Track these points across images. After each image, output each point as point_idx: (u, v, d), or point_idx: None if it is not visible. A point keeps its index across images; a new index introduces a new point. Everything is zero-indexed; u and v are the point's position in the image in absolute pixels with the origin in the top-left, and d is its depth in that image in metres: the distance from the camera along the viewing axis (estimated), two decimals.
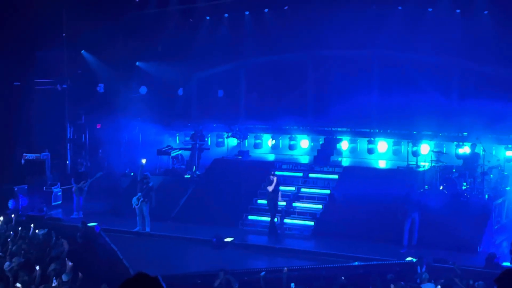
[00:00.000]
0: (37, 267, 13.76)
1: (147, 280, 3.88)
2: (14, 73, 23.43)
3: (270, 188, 19.28)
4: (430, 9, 22.69)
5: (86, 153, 25.94)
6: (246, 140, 26.29)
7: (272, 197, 19.38)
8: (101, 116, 25.43)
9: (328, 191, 20.64)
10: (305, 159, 24.96)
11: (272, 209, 19.51)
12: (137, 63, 26.85)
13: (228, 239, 19.01)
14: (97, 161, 25.20)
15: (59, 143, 24.90)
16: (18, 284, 13.00)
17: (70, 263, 14.64)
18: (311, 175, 22.20)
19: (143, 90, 26.38)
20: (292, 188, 21.69)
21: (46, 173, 23.16)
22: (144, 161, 21.54)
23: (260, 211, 21.29)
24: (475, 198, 19.82)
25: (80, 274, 13.93)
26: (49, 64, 24.40)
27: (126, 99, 26.27)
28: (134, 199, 20.18)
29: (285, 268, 14.29)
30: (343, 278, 14.11)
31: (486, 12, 22.03)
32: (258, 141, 26.57)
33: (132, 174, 22.23)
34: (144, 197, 20.13)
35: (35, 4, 21.90)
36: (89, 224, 19.12)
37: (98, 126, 25.80)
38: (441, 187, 20.65)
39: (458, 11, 22.50)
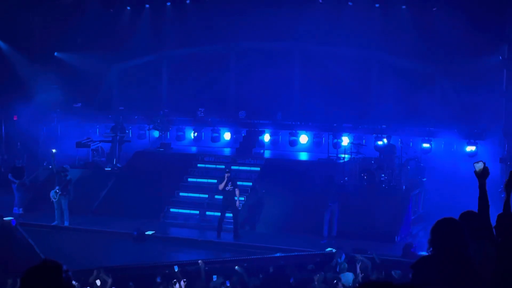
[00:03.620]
0: None
1: (50, 267, 3.88)
2: None
3: (221, 186, 19.11)
4: (350, 3, 22.95)
5: (3, 146, 25.44)
6: (168, 132, 26.22)
7: (227, 195, 19.24)
8: (17, 108, 25.00)
9: (250, 183, 20.68)
10: (227, 151, 25.01)
11: (227, 207, 19.30)
12: (55, 54, 26.45)
13: (149, 232, 18.93)
14: (15, 154, 24.71)
15: None
16: None
17: None
18: (233, 167, 22.27)
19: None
20: (214, 180, 21.71)
21: None
22: (54, 150, 21.28)
23: (182, 203, 21.28)
24: (392, 189, 20.23)
25: None
26: None
27: (44, 90, 25.92)
28: (52, 193, 19.92)
29: (200, 261, 14.33)
30: (271, 269, 14.28)
31: (404, 6, 22.42)
32: (180, 133, 26.50)
33: (50, 167, 21.89)
34: (62, 190, 19.87)
35: None
36: (5, 218, 18.84)
37: (15, 118, 25.37)
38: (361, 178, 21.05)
39: (377, 5, 22.83)
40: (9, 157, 24.65)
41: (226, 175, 19.21)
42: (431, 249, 5.37)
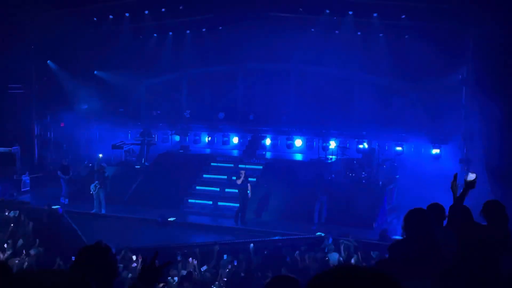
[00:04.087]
0: (6, 245, 13.61)
1: (102, 248, 3.98)
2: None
3: (239, 181, 19.09)
4: (336, 31, 22.93)
5: (52, 147, 25.50)
6: (187, 137, 26.27)
7: (242, 188, 19.16)
8: (65, 116, 25.11)
9: (254, 179, 20.70)
10: (235, 153, 25.03)
11: (242, 199, 19.20)
12: (95, 72, 26.52)
13: (171, 219, 19.00)
14: (62, 155, 24.73)
15: (28, 139, 24.44)
16: None
17: (37, 240, 14.52)
18: (240, 165, 22.29)
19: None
20: (225, 176, 21.73)
21: (16, 164, 22.75)
22: (101, 155, 21.47)
23: (198, 195, 21.39)
24: (371, 184, 20.30)
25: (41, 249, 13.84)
26: (19, 72, 23.92)
27: (85, 102, 26.01)
28: (92, 186, 20.02)
29: (214, 242, 14.38)
30: (265, 252, 14.33)
31: (381, 34, 22.40)
32: (196, 137, 26.53)
33: (90, 165, 21.95)
34: (100, 184, 20.00)
35: (5, 22, 21.41)
36: (53, 207, 18.89)
37: (62, 125, 25.43)
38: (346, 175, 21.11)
39: (359, 33, 22.83)
40: (57, 157, 24.67)
41: (243, 172, 19.23)
42: (404, 233, 5.42)
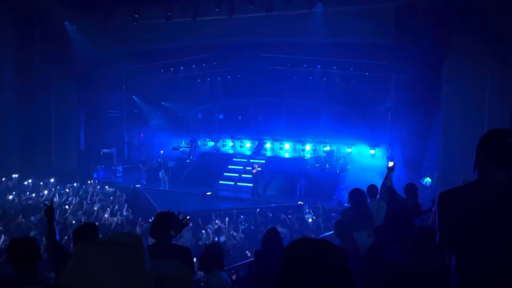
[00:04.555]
0: (108, 209, 13.71)
1: (169, 212, 4.07)
2: (102, 108, 23.24)
3: (254, 171, 19.16)
4: (310, 78, 22.98)
5: (135, 149, 25.69)
6: (218, 143, 26.41)
7: (254, 175, 19.24)
8: (143, 130, 25.33)
9: (259, 169, 20.83)
10: (248, 152, 25.14)
11: (255, 181, 19.26)
12: (162, 103, 26.74)
13: (208, 193, 19.12)
14: (141, 153, 24.89)
15: (121, 144, 24.66)
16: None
17: (126, 205, 14.61)
18: (251, 161, 22.41)
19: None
20: (241, 167, 21.88)
21: (113, 159, 22.96)
22: (162, 151, 21.66)
23: (225, 178, 21.43)
24: (332, 172, 20.41)
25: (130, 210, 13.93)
26: (116, 103, 24.21)
27: (155, 121, 26.20)
28: (160, 173, 20.13)
29: (235, 210, 14.44)
30: (269, 214, 14.30)
31: (338, 79, 22.44)
32: (224, 143, 26.67)
33: (158, 160, 22.14)
34: (165, 171, 20.09)
35: (109, 72, 21.60)
36: (136, 185, 19.03)
37: (142, 135, 25.65)
38: (316, 165, 21.18)
39: (324, 79, 22.85)
40: (138, 155, 24.87)
41: (256, 165, 19.33)
42: (349, 204, 5.52)
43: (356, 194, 5.45)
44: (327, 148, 22.56)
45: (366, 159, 20.94)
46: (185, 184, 20.99)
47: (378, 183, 6.65)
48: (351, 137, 22.21)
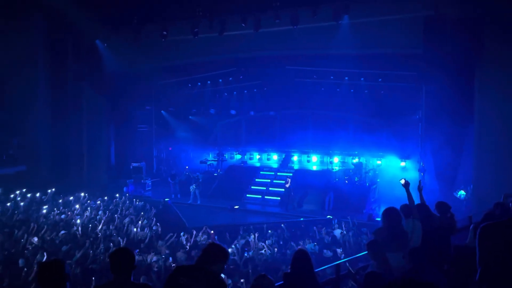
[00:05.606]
0: (140, 222, 13.87)
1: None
2: (131, 123, 23.81)
3: (287, 185, 19.06)
4: (338, 89, 22.85)
5: (164, 163, 26.06)
6: (245, 156, 26.50)
7: (287, 189, 19.14)
8: (171, 144, 25.70)
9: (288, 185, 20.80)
10: (275, 165, 25.07)
11: (287, 195, 19.14)
12: (190, 117, 27.14)
13: (236, 206, 19.07)
14: (170, 167, 25.25)
15: (150, 158, 25.08)
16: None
17: (154, 219, 14.74)
18: (278, 173, 22.35)
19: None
20: (268, 180, 21.82)
21: (143, 173, 23.28)
22: (187, 167, 21.84)
23: (252, 192, 21.29)
24: (362, 185, 20.07)
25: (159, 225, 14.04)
26: (145, 117, 24.72)
27: (183, 134, 26.57)
28: (191, 187, 20.19)
29: (264, 224, 14.34)
30: (293, 230, 14.09)
31: (366, 91, 22.22)
32: (251, 156, 26.74)
33: (186, 173, 22.33)
34: (196, 185, 20.17)
35: (138, 88, 22.19)
36: (165, 199, 19.19)
37: (170, 149, 26.03)
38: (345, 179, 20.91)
39: (352, 90, 22.69)
40: (167, 169, 25.20)
41: (289, 179, 19.21)
42: (383, 223, 5.36)
43: (390, 213, 5.26)
44: (356, 160, 22.25)
45: (396, 171, 20.52)
46: (213, 197, 20.98)
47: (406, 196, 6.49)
48: (381, 149, 21.87)
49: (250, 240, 12.09)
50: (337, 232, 13.05)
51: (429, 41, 14.82)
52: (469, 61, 13.97)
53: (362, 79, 21.51)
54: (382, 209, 5.44)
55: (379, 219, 15.56)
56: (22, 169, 20.02)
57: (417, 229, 5.30)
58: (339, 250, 10.87)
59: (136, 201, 17.79)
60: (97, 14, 17.61)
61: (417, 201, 6.20)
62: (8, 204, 15.22)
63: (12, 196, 16.59)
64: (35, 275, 3.40)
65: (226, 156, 26.21)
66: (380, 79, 20.77)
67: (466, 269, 3.70)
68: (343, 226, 13.62)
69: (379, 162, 22.04)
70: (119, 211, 15.46)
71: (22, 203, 15.55)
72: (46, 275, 3.26)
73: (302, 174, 21.84)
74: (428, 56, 14.89)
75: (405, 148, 21.13)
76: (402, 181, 5.99)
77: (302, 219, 16.28)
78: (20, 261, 9.16)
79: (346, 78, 21.78)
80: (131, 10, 17.51)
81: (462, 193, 15.90)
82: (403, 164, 21.04)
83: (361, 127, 23.39)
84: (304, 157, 24.71)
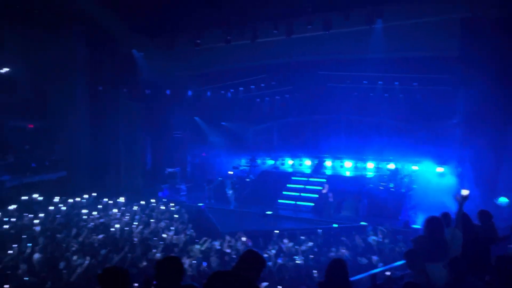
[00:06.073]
0: (174, 227, 14.09)
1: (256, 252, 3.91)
2: (166, 129, 24.26)
3: (324, 191, 18.93)
4: (371, 94, 22.54)
5: (198, 168, 26.35)
6: (277, 161, 26.48)
7: (324, 194, 18.95)
8: (205, 149, 26.02)
9: (320, 188, 20.54)
10: (307, 171, 24.92)
11: (324, 202, 18.88)
12: (222, 123, 27.40)
13: (269, 212, 19.04)
14: (204, 172, 25.44)
15: (184, 163, 25.46)
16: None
17: (190, 225, 14.91)
18: (311, 179, 22.17)
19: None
20: (301, 186, 21.68)
21: (177, 178, 23.66)
22: (231, 173, 21.97)
23: (285, 197, 21.16)
24: (397, 191, 19.61)
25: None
26: (179, 124, 25.15)
27: (216, 140, 26.85)
28: (229, 191, 20.27)
29: (297, 231, 14.20)
30: (328, 237, 13.96)
31: (401, 95, 21.79)
32: (283, 161, 26.68)
33: (220, 179, 22.48)
34: (233, 190, 20.31)
35: (172, 96, 22.63)
36: (199, 204, 19.43)
37: (203, 154, 26.34)
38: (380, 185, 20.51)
39: (386, 95, 22.30)
40: (201, 174, 25.43)
41: (327, 185, 19.01)
42: (424, 232, 5.23)
43: (432, 222, 5.11)
44: (391, 166, 21.78)
45: (433, 177, 19.92)
46: (245, 202, 21.01)
47: (447, 203, 6.32)
48: (417, 154, 21.29)
49: (283, 246, 12.05)
50: (372, 239, 12.81)
51: (467, 43, 14.39)
52: (510, 63, 13.45)
53: (396, 83, 21.10)
54: (419, 216, 5.31)
55: (416, 226, 15.20)
56: (63, 174, 20.82)
57: (457, 238, 5.14)
58: (375, 258, 10.66)
59: (171, 206, 18.10)
60: (133, 24, 18.19)
61: (456, 209, 6.02)
62: (50, 208, 15.83)
63: (54, 200, 17.25)
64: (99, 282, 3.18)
65: (259, 161, 26.26)
66: (415, 83, 20.31)
67: (509, 279, 3.56)
68: (378, 233, 13.34)
69: (415, 167, 21.46)
70: (154, 216, 15.76)
71: (63, 208, 16.15)
72: (109, 282, 3.14)
73: (336, 180, 21.58)
74: (466, 58, 14.46)
75: (442, 153, 20.47)
76: (465, 192, 5.75)
77: (335, 225, 16.08)
78: (61, 264, 9.52)
79: (380, 82, 21.43)
80: (165, 20, 17.96)
81: (503, 200, 15.25)
82: (440, 169, 20.39)
83: (396, 132, 22.90)
84: (337, 163, 24.42)
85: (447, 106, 19.98)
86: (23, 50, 21.35)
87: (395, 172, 20.92)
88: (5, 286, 8.09)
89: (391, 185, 20.01)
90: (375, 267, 9.78)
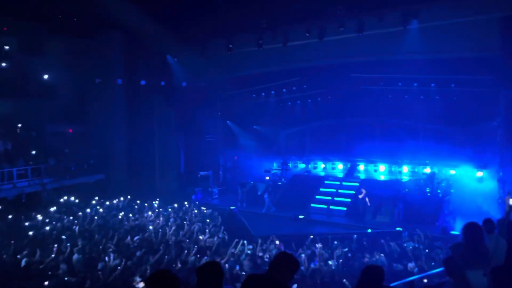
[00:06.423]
0: (208, 230, 14.20)
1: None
2: (199, 133, 24.50)
3: (360, 196, 18.63)
4: (406, 96, 22.04)
5: (230, 171, 26.47)
6: (309, 165, 26.30)
7: (362, 199, 18.64)
8: (236, 153, 26.15)
9: (353, 192, 20.25)
10: (340, 175, 24.60)
11: (363, 207, 18.59)
12: (254, 126, 27.48)
13: (301, 216, 18.90)
14: (236, 175, 25.54)
15: (216, 167, 25.63)
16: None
17: (223, 228, 14.98)
18: (344, 183, 21.87)
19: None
20: (334, 190, 21.43)
21: (210, 182, 23.86)
22: (267, 178, 21.94)
23: (317, 201, 20.92)
24: (434, 196, 19.04)
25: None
26: (211, 128, 25.37)
27: (247, 143, 26.93)
28: (265, 195, 20.28)
29: (330, 235, 14.00)
30: (364, 242, 13.67)
31: (437, 97, 21.20)
32: (315, 165, 26.47)
33: (252, 182, 22.49)
34: (268, 194, 20.32)
35: (206, 100, 22.91)
36: (231, 207, 19.52)
37: (235, 158, 26.47)
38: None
39: (422, 97, 21.74)
40: (232, 177, 25.54)
41: (364, 190, 18.66)
42: (463, 239, 5.03)
43: (472, 228, 4.90)
44: (427, 170, 21.17)
45: (472, 182, 19.26)
46: (277, 206, 20.90)
47: (487, 208, 6.08)
48: (454, 158, 20.65)
49: (316, 250, 11.94)
50: (408, 245, 12.47)
51: (507, 43, 13.84)
52: None
53: (432, 85, 20.55)
54: (458, 222, 5.09)
55: (454, 232, 14.70)
56: (101, 177, 21.50)
57: (501, 246, 4.91)
58: (410, 265, 10.38)
59: (204, 209, 18.28)
60: (167, 30, 18.57)
61: (499, 214, 5.79)
62: (88, 210, 16.35)
63: (92, 202, 17.82)
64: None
65: (290, 165, 26.14)
66: (452, 84, 19.70)
67: None
68: (415, 239, 12.98)
69: (452, 172, 20.78)
70: (188, 218, 15.97)
71: (100, 209, 16.64)
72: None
73: (369, 184, 21.17)
74: (507, 59, 13.90)
75: (481, 157, 19.78)
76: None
77: (369, 230, 15.77)
78: (100, 265, 9.80)
79: (415, 84, 20.93)
80: (199, 26, 18.27)
81: None
82: (479, 174, 19.68)
83: (432, 135, 22.31)
84: (371, 167, 23.99)
85: (486, 108, 19.27)
86: (63, 57, 22.26)
87: (431, 176, 20.29)
88: (45, 283, 8.39)
89: (428, 189, 19.44)
90: (411, 273, 9.51)
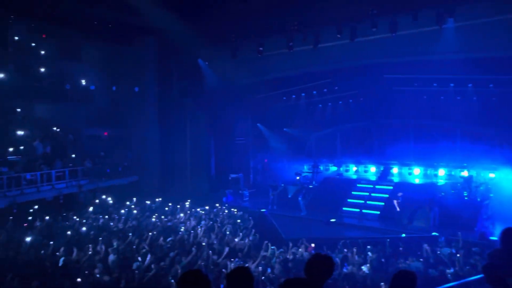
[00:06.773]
0: (239, 232, 14.25)
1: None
2: (229, 136, 24.70)
3: (397, 201, 18.28)
4: (442, 97, 21.40)
5: (260, 174, 26.48)
6: (341, 167, 25.96)
7: (398, 204, 18.36)
8: (267, 156, 26.16)
9: (386, 195, 19.81)
10: (373, 178, 24.14)
11: (401, 209, 18.21)
12: (284, 129, 27.41)
13: (333, 220, 18.67)
14: (267, 178, 25.51)
15: (247, 169, 25.70)
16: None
17: (253, 230, 15.00)
18: (377, 186, 21.42)
19: None
20: (367, 193, 21.02)
21: (240, 184, 23.93)
22: (298, 178, 21.80)
23: (349, 205, 20.48)
24: (472, 200, 18.36)
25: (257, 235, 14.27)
26: (242, 130, 25.52)
27: (277, 146, 26.89)
28: (299, 198, 20.20)
29: (361, 240, 13.75)
30: (400, 248, 13.22)
31: (474, 98, 20.46)
32: (347, 168, 26.09)
33: (282, 185, 22.40)
34: (302, 197, 20.24)
35: (236, 102, 23.07)
36: (261, 210, 19.49)
37: (266, 160, 26.47)
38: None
39: (458, 98, 21.05)
40: (263, 180, 25.55)
41: (400, 193, 18.33)
42: (501, 245, 4.82)
43: (509, 234, 4.72)
44: (465, 173, 20.43)
45: (511, 185, 18.44)
46: (308, 209, 20.65)
47: None
48: (494, 161, 19.80)
49: (348, 255, 11.74)
50: (445, 250, 12.06)
51: None
52: None
53: (470, 85, 19.87)
54: (497, 227, 4.86)
55: (493, 238, 14.10)
56: (135, 179, 22.02)
57: None
58: (447, 271, 10.03)
59: (234, 211, 18.33)
60: (198, 34, 18.83)
61: None
62: (122, 211, 16.75)
63: (126, 203, 18.25)
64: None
65: (321, 168, 25.87)
66: (491, 85, 18.98)
67: None
68: (452, 244, 12.54)
69: (492, 175, 19.97)
70: (219, 221, 16.07)
71: (134, 211, 17.02)
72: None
73: (403, 188, 20.65)
74: None
75: None
76: None
77: (404, 235, 15.35)
78: (134, 265, 10.01)
79: (452, 84, 20.30)
80: (229, 29, 18.41)
81: None
82: None
83: (470, 137, 21.50)
84: (405, 170, 23.38)
85: None
86: (99, 63, 23.01)
87: (469, 179, 19.57)
88: (77, 279, 8.63)
89: (465, 193, 18.76)
90: (448, 280, 9.20)
